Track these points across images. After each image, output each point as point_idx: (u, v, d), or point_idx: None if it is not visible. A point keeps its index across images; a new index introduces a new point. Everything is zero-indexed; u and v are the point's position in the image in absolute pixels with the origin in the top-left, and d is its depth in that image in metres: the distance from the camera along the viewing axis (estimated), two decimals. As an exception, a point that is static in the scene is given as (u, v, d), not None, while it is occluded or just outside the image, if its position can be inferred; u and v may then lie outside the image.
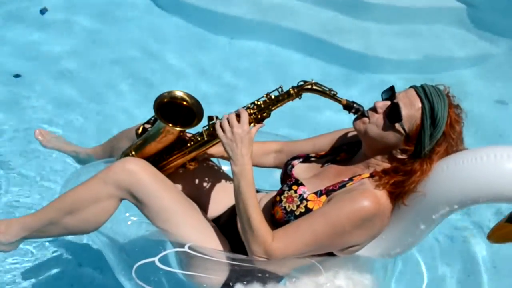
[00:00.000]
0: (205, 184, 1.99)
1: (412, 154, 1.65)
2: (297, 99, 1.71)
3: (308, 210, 1.67)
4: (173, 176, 1.88)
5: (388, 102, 1.66)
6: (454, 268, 2.70)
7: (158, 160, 1.85)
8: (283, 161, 2.01)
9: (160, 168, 1.84)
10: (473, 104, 3.82)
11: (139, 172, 1.72)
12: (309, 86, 1.68)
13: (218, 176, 2.02)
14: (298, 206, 1.68)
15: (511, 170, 1.60)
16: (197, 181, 1.99)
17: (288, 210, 1.69)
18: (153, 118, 1.87)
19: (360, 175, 1.71)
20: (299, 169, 1.86)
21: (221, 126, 1.68)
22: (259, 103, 1.73)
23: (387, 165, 1.70)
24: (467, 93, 4.00)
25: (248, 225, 1.64)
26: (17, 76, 3.45)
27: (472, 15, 4.75)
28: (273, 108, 1.72)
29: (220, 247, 1.79)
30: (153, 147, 1.81)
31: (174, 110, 1.76)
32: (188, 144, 1.81)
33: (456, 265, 2.71)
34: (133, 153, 1.86)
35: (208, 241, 1.78)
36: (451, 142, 1.65)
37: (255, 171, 1.69)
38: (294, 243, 1.64)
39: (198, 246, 1.71)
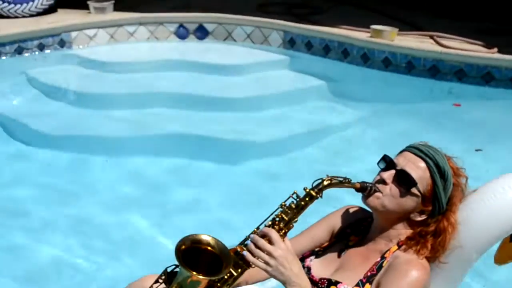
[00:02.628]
0: None
1: (431, 213, 1.62)
2: (319, 198, 1.56)
3: None
4: None
5: (393, 171, 1.61)
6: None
7: None
8: None
9: None
10: (360, 167, 3.93)
11: None
12: (328, 182, 1.54)
13: None
14: None
15: None
16: None
17: None
18: (163, 276, 1.54)
19: (388, 250, 1.63)
20: (317, 268, 1.70)
21: (255, 256, 1.46)
22: (281, 216, 1.54)
23: (409, 231, 1.65)
24: (352, 157, 4.12)
25: None
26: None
27: (334, 89, 5.03)
28: (297, 216, 1.55)
29: None
30: None
31: (193, 257, 1.49)
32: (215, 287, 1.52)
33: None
34: None
35: None
36: (461, 189, 1.66)
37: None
38: None
39: None
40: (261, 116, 4.64)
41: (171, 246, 2.95)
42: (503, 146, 4.01)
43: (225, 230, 3.16)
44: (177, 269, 1.52)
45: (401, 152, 1.67)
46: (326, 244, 1.79)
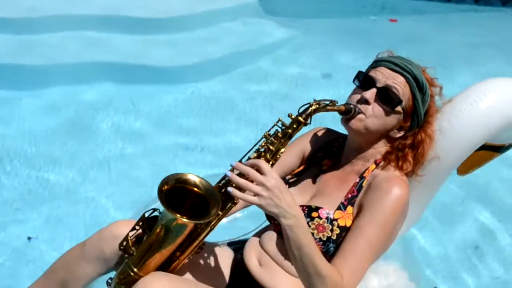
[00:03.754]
0: (206, 262, 1.60)
1: (409, 127, 1.54)
2: (308, 125, 1.41)
3: (343, 228, 1.46)
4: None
5: (374, 90, 1.48)
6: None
7: (168, 263, 1.38)
8: None
9: (172, 271, 1.39)
10: (302, 83, 3.85)
11: None
12: (317, 107, 1.40)
13: (207, 248, 1.64)
14: (332, 230, 1.46)
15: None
16: (200, 262, 1.58)
17: (325, 239, 1.46)
18: (141, 223, 1.36)
19: (367, 169, 1.54)
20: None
21: (243, 190, 1.30)
22: (267, 147, 1.38)
23: (386, 148, 1.56)
24: (289, 75, 4.03)
25: (317, 275, 1.35)
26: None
27: (265, 5, 4.81)
28: (284, 146, 1.40)
29: None
30: (164, 253, 1.34)
31: (177, 197, 1.32)
32: (199, 230, 1.37)
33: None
34: (136, 270, 1.34)
35: None
36: (435, 100, 1.59)
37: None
38: (359, 266, 1.42)
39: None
40: (190, 36, 4.39)
41: (107, 178, 2.83)
42: (442, 59, 3.99)
43: (171, 157, 3.05)
44: (156, 213, 1.36)
45: (374, 67, 1.53)
46: (297, 170, 1.68)
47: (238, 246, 1.73)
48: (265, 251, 1.55)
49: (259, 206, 1.29)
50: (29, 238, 2.41)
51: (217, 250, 1.64)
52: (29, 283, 1.64)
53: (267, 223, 1.66)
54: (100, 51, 4.03)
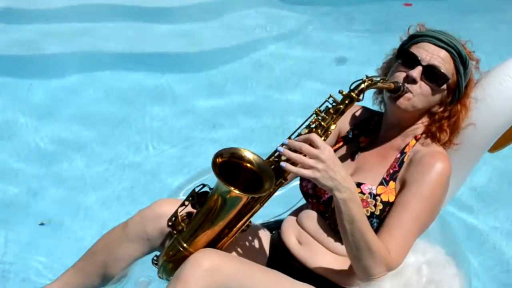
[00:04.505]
0: (248, 239, 1.60)
1: (450, 102, 1.53)
2: (360, 101, 1.41)
3: (386, 204, 1.46)
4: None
5: (420, 68, 1.47)
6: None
7: (217, 240, 1.38)
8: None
9: (219, 248, 1.39)
10: (317, 68, 3.82)
11: (222, 265, 1.31)
12: (369, 83, 1.39)
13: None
14: (375, 206, 1.46)
15: None
16: (241, 240, 1.57)
17: (368, 214, 1.45)
18: (190, 198, 1.35)
19: (407, 145, 1.54)
20: None
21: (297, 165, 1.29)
22: (318, 122, 1.37)
23: (425, 123, 1.56)
24: (303, 61, 3.99)
25: (367, 250, 1.35)
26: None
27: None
28: (336, 122, 1.39)
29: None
30: (216, 229, 1.33)
31: (230, 171, 1.31)
32: (249, 206, 1.36)
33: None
34: (185, 245, 1.32)
35: None
36: (473, 72, 1.58)
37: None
38: (405, 241, 1.43)
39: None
40: (202, 26, 4.30)
41: (117, 159, 2.85)
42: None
43: (180, 145, 3.03)
44: (206, 189, 1.34)
45: (416, 42, 1.51)
46: (333, 148, 1.64)
47: (273, 227, 1.71)
48: (303, 229, 1.53)
49: (313, 179, 1.27)
50: (41, 224, 2.40)
51: (256, 229, 1.62)
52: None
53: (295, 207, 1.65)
54: (108, 41, 3.99)
